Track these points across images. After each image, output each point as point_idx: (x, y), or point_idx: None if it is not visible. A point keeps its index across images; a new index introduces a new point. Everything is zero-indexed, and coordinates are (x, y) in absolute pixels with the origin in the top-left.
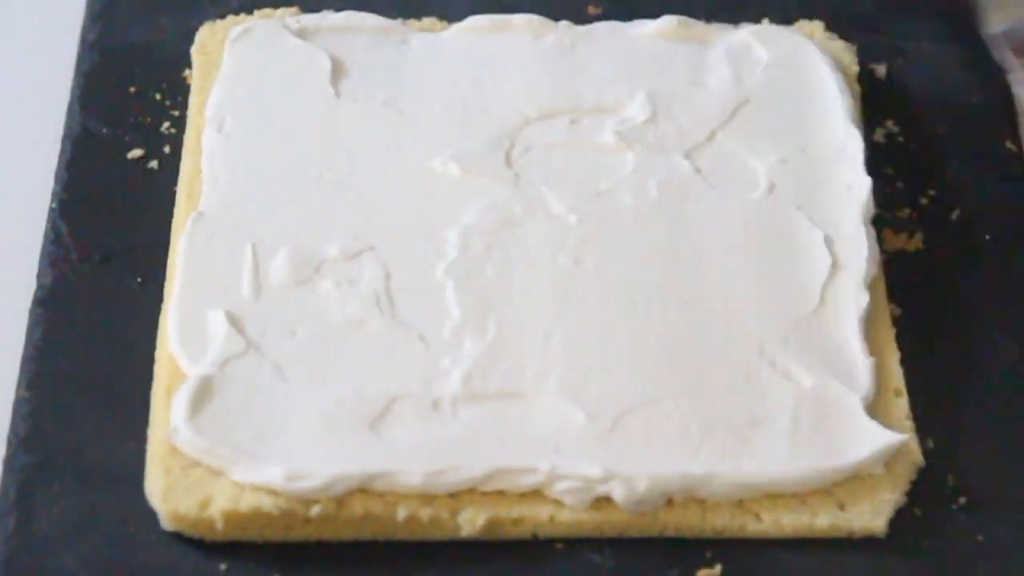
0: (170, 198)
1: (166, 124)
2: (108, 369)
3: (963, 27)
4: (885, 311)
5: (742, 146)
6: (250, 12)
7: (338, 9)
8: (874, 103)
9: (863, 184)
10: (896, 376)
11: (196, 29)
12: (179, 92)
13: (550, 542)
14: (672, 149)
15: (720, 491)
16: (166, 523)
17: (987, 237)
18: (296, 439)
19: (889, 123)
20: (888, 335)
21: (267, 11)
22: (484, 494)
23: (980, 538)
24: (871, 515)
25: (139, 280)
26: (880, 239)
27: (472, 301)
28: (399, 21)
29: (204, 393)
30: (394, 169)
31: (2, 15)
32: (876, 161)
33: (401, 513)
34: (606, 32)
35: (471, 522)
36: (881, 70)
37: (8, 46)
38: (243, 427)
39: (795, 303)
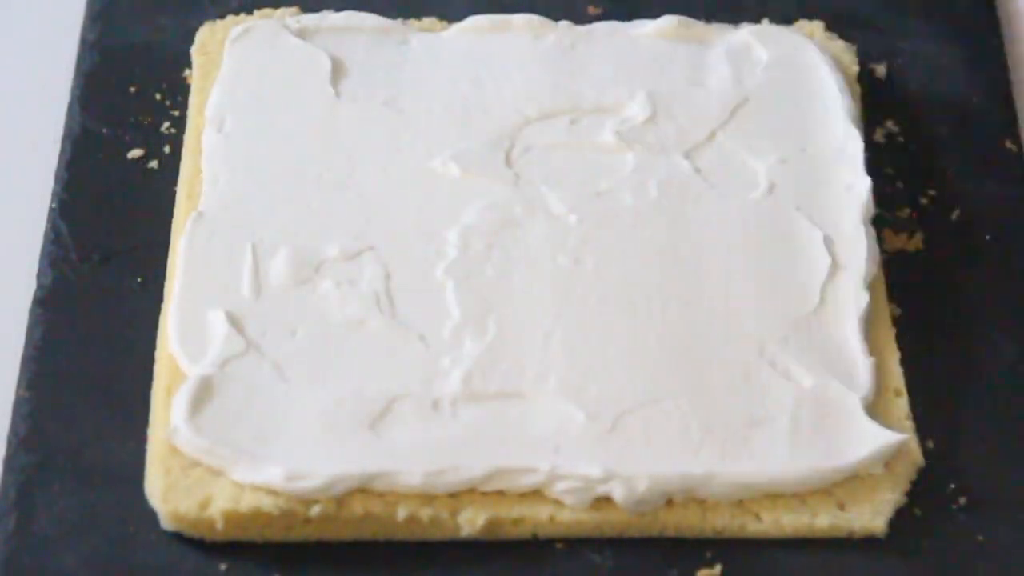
0: (170, 198)
1: (166, 124)
2: (108, 369)
3: (963, 27)
4: (885, 311)
5: (742, 146)
6: (250, 12)
7: (338, 9)
8: (874, 103)
9: (863, 184)
10: (896, 376)
11: (196, 29)
12: (179, 92)
13: (550, 542)
14: (672, 149)
15: (720, 491)
16: (166, 523)
17: (987, 237)
18: (296, 439)
19: (889, 123)
20: (888, 335)
21: (267, 11)
22: (484, 494)
23: (980, 538)
24: (871, 515)
25: (139, 280)
26: (880, 239)
27: (472, 301)
28: (399, 21)
29: (204, 393)
30: (394, 169)
31: (2, 15)
32: (876, 161)
33: (401, 513)
34: (606, 32)
35: (471, 522)
36: (881, 70)
37: (8, 46)
38: (243, 427)
39: (795, 303)
